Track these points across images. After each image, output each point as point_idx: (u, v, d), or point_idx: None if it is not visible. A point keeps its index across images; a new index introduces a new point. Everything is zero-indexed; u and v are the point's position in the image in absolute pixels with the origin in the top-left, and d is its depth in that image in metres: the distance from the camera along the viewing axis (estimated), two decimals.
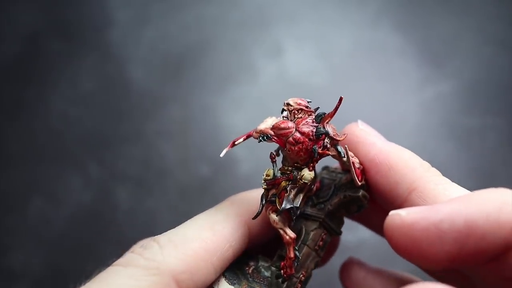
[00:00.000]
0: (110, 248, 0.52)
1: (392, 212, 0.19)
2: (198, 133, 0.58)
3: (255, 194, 0.25)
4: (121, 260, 0.21)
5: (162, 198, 0.55)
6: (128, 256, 0.21)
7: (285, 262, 0.24)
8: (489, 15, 0.62)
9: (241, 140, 0.24)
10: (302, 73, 0.60)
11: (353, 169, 0.24)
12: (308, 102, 0.23)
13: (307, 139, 0.22)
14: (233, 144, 0.24)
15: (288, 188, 0.23)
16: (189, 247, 0.21)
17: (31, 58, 0.62)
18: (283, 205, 0.23)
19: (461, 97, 0.58)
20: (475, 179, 0.55)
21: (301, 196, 0.23)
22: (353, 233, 0.52)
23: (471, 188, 0.21)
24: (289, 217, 0.24)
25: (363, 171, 0.24)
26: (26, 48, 0.62)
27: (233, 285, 0.23)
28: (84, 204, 0.55)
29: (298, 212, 0.24)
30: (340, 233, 0.26)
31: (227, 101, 0.59)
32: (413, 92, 0.59)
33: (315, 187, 0.27)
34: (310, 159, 0.23)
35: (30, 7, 0.64)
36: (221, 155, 0.23)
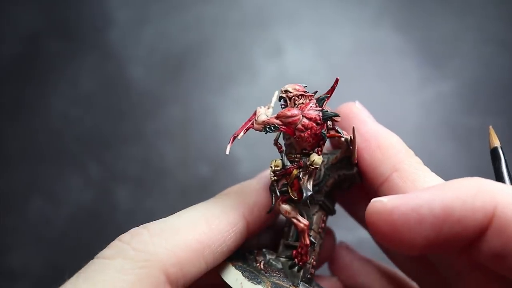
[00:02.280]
0: None
1: (374, 200, 0.19)
2: (198, 133, 0.58)
3: (252, 185, 0.25)
4: (107, 252, 0.20)
5: (162, 198, 0.55)
6: (116, 246, 0.20)
7: (298, 250, 0.24)
8: (489, 15, 0.61)
9: (242, 134, 0.23)
10: (302, 73, 0.60)
11: (355, 147, 0.24)
12: (304, 87, 0.23)
13: (314, 124, 0.22)
14: (234, 139, 0.23)
15: (300, 176, 0.23)
16: (181, 238, 0.21)
17: (31, 58, 0.62)
18: (305, 194, 0.22)
19: (461, 97, 0.58)
20: None
21: (311, 182, 0.23)
22: (353, 233, 0.52)
23: None
24: (297, 205, 0.23)
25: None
26: (26, 48, 0.62)
27: (259, 284, 0.22)
28: (84, 204, 0.55)
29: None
30: (334, 212, 0.26)
31: (227, 101, 0.59)
32: (413, 92, 0.59)
33: None
34: (317, 143, 0.23)
35: (30, 7, 0.64)
36: (227, 152, 0.23)
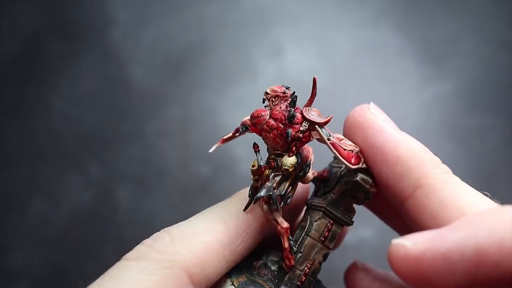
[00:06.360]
0: (110, 248, 0.52)
1: (395, 242, 0.18)
2: (198, 133, 0.58)
3: None
4: (131, 254, 0.21)
5: (162, 198, 0.55)
6: (139, 249, 0.21)
7: (283, 253, 0.23)
8: (489, 15, 0.62)
9: (229, 134, 0.24)
10: (302, 73, 0.60)
11: (335, 151, 0.23)
12: (286, 88, 0.23)
13: (280, 125, 0.22)
14: (223, 141, 0.24)
15: (270, 177, 0.23)
16: (201, 239, 0.21)
17: (31, 58, 0.62)
18: (259, 193, 0.22)
19: (461, 97, 0.58)
20: (475, 179, 0.55)
21: (286, 184, 0.23)
22: (353, 233, 0.52)
23: None
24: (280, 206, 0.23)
25: (359, 155, 0.23)
26: (26, 48, 0.62)
27: (228, 277, 0.22)
28: (84, 204, 0.55)
29: (289, 201, 0.23)
30: (351, 222, 0.25)
31: (227, 101, 0.59)
32: (413, 92, 0.59)
33: (321, 173, 0.26)
34: (289, 144, 0.22)
35: (30, 7, 0.64)
36: (210, 150, 0.24)
